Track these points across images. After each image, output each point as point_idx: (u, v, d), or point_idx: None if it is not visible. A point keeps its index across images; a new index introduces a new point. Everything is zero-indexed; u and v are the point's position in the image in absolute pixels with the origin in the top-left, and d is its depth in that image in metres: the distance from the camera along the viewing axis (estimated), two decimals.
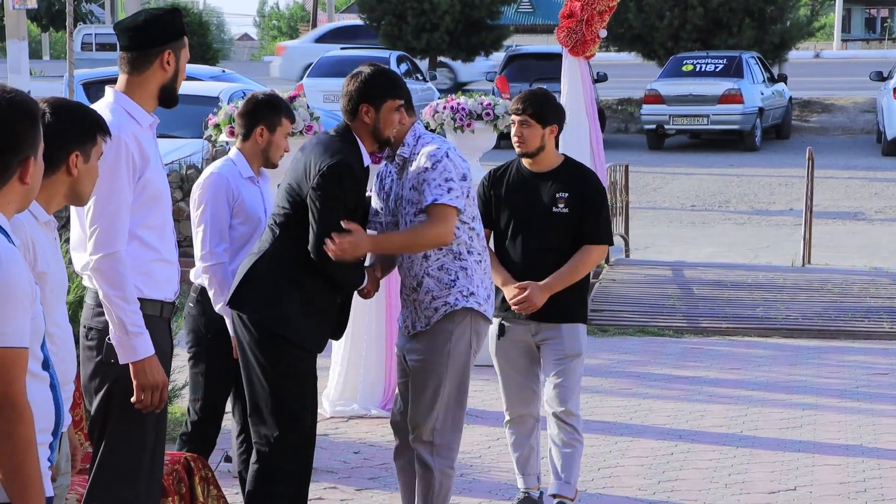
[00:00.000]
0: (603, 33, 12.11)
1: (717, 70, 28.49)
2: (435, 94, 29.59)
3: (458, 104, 10.45)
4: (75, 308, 7.23)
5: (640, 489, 7.69)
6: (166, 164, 5.74)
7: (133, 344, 5.09)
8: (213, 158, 11.03)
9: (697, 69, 28.75)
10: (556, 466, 6.95)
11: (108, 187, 5.06)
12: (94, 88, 18.21)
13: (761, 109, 27.96)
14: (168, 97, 5.37)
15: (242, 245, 6.58)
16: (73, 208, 5.21)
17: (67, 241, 5.42)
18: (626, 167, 16.49)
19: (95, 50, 39.91)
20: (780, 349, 11.28)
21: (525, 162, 6.96)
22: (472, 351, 6.19)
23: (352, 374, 9.17)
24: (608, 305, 12.60)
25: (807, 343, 11.49)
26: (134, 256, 5.18)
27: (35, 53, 54.66)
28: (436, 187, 5.98)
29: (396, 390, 6.45)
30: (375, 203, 6.30)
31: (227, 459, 7.67)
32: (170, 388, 5.69)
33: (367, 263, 6.19)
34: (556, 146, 7.08)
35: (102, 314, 5.18)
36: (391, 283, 7.94)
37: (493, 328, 6.73)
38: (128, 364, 5.12)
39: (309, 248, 5.79)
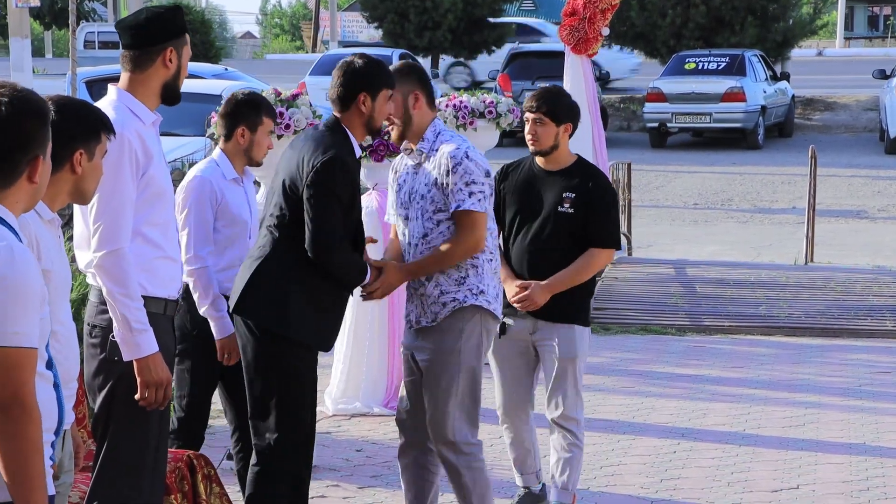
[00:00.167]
0: (605, 31, 12.11)
1: (720, 68, 28.49)
2: (437, 91, 29.57)
3: (461, 102, 10.44)
4: (78, 306, 7.25)
5: (643, 487, 7.68)
6: (169, 162, 5.74)
7: (137, 341, 5.10)
8: None
9: (700, 67, 28.75)
10: (553, 472, 6.94)
11: (111, 184, 5.07)
12: (97, 86, 18.22)
13: (764, 108, 27.96)
14: (171, 95, 5.38)
15: (228, 246, 6.57)
16: (76, 206, 5.21)
17: (70, 238, 5.42)
18: (629, 165, 16.49)
19: (98, 48, 39.92)
20: (783, 347, 11.28)
21: (538, 160, 6.90)
22: (483, 347, 6.17)
23: (354, 372, 9.17)
24: (611, 304, 12.60)
25: (809, 341, 11.49)
26: (137, 254, 5.18)
27: (38, 51, 54.70)
28: (458, 192, 5.98)
29: (402, 389, 6.43)
30: (392, 196, 6.30)
31: (230, 457, 7.66)
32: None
33: (381, 258, 6.19)
34: None
35: (106, 312, 5.18)
36: None
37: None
38: (131, 361, 5.13)
39: (306, 246, 5.75)
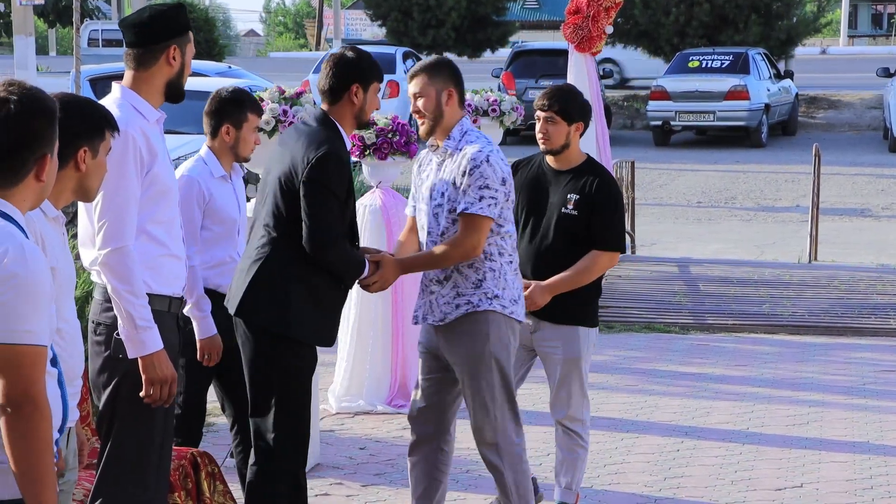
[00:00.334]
0: (609, 29, 12.10)
1: (724, 66, 28.48)
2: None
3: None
4: (83, 303, 7.25)
5: (646, 486, 7.68)
6: (173, 160, 5.73)
7: (142, 338, 5.10)
8: None
9: (703, 65, 28.74)
10: (557, 472, 6.94)
11: (115, 182, 5.07)
12: (101, 84, 18.23)
13: (767, 106, 27.95)
14: (174, 92, 5.38)
15: (216, 244, 6.57)
16: (81, 204, 5.21)
17: (75, 236, 5.42)
18: (632, 163, 16.48)
19: (102, 46, 39.95)
20: (787, 346, 11.27)
21: (548, 158, 6.84)
22: (511, 347, 6.16)
23: (358, 370, 9.17)
24: (614, 302, 12.60)
25: (813, 340, 11.48)
26: (142, 252, 5.18)
27: (42, 49, 54.73)
28: (470, 195, 5.97)
29: (416, 387, 6.40)
30: (414, 189, 6.30)
31: (232, 455, 7.67)
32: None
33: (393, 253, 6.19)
34: None
35: (110, 309, 5.19)
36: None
37: None
38: (136, 359, 5.13)
39: (303, 242, 5.73)
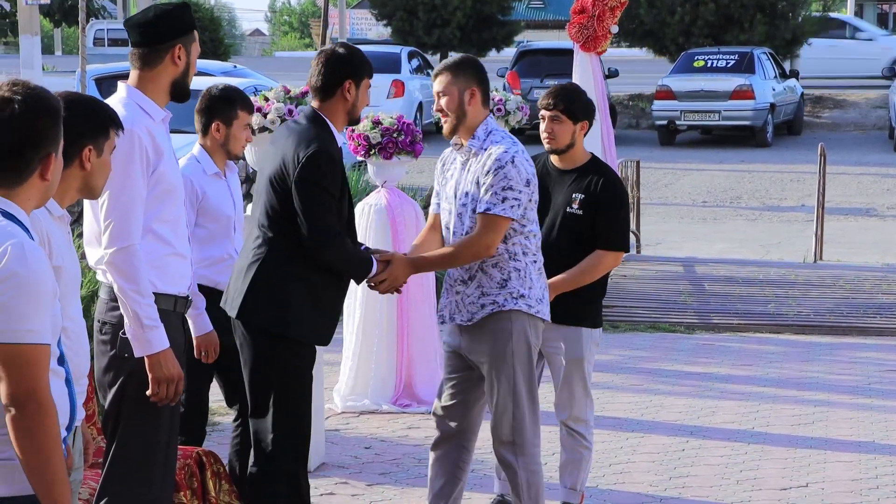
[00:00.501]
0: (614, 29, 12.10)
1: (729, 66, 28.48)
2: None
3: None
4: (88, 302, 7.25)
5: (651, 485, 7.68)
6: (178, 159, 5.73)
7: (148, 337, 5.10)
8: None
9: (709, 65, 28.74)
10: (562, 472, 6.93)
11: (122, 181, 5.08)
12: (107, 84, 18.23)
13: (773, 105, 27.94)
14: (180, 92, 5.39)
15: (210, 241, 6.58)
16: (87, 204, 5.22)
17: (80, 235, 5.43)
18: (638, 163, 16.48)
19: (108, 45, 39.94)
20: (792, 345, 11.27)
21: (553, 158, 6.82)
22: (534, 348, 6.15)
23: (363, 369, 9.17)
24: (619, 301, 12.59)
25: (818, 339, 11.48)
26: (148, 251, 5.19)
27: (48, 49, 54.74)
28: (492, 195, 5.95)
29: (440, 385, 6.39)
30: (437, 187, 6.29)
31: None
32: None
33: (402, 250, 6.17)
34: None
35: (116, 309, 5.19)
36: None
37: None
38: (142, 358, 5.13)
39: (303, 243, 5.70)
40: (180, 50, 5.32)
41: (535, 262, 6.13)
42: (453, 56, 6.34)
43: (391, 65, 28.50)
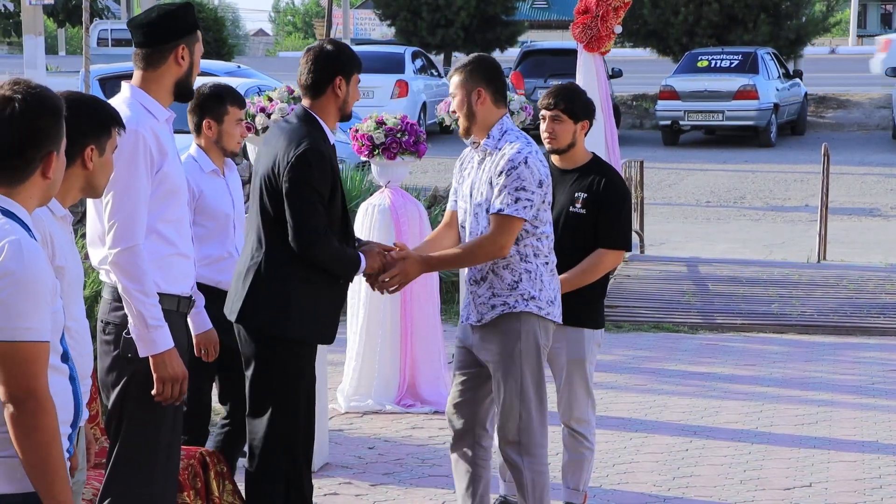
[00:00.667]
0: (618, 29, 12.09)
1: (733, 66, 28.47)
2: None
3: None
4: (91, 303, 7.26)
5: (655, 485, 7.68)
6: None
7: (153, 337, 5.11)
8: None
9: (712, 65, 28.73)
10: (565, 473, 6.93)
11: (126, 182, 5.08)
12: (110, 84, 18.24)
13: (776, 105, 27.93)
14: (183, 92, 5.39)
15: (209, 239, 6.59)
16: (90, 204, 5.22)
17: (83, 236, 5.43)
18: (641, 163, 16.48)
19: (111, 45, 39.98)
20: (796, 345, 11.27)
21: (553, 158, 6.80)
22: (543, 349, 6.15)
23: (366, 370, 9.17)
24: (623, 301, 12.59)
25: (822, 339, 11.48)
26: (152, 251, 5.19)
27: (51, 49, 54.79)
28: (505, 196, 5.94)
29: (452, 383, 6.40)
30: (455, 184, 6.30)
31: (242, 454, 7.68)
32: None
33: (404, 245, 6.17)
34: None
35: (119, 309, 5.19)
36: None
37: None
38: (145, 358, 5.14)
39: (290, 241, 5.72)
40: (184, 50, 5.32)
41: (546, 263, 6.13)
42: (465, 57, 6.35)
43: (395, 65, 28.51)
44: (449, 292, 11.97)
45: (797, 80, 29.86)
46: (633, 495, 7.52)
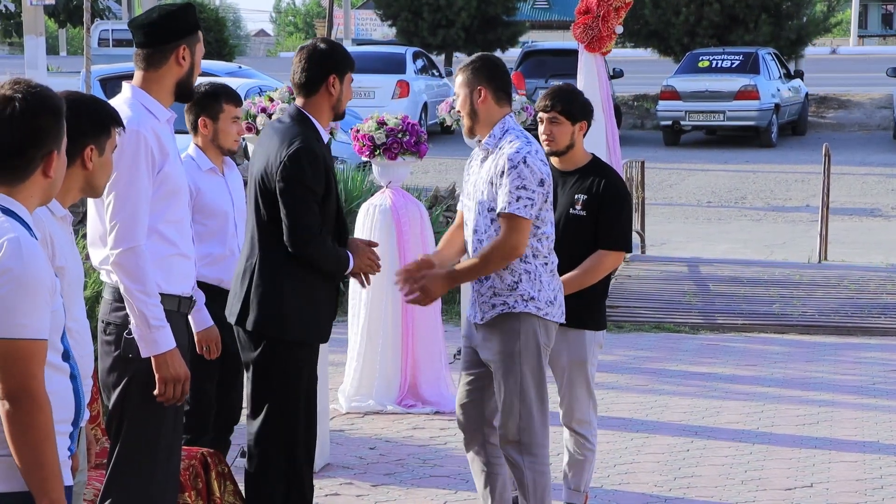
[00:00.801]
0: (619, 29, 12.09)
1: (734, 66, 28.47)
2: (450, 90, 29.58)
3: None
4: (92, 303, 7.26)
5: (657, 486, 7.68)
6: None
7: (155, 337, 5.11)
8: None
9: (713, 65, 28.73)
10: (566, 474, 6.94)
11: (127, 182, 5.08)
12: (111, 84, 18.24)
13: (777, 105, 27.93)
14: (184, 92, 5.40)
15: (209, 237, 6.59)
16: (91, 204, 5.22)
17: (83, 236, 5.43)
18: (642, 163, 16.48)
19: (112, 46, 39.96)
20: (797, 346, 11.27)
21: (553, 160, 6.76)
22: (544, 349, 6.16)
23: (368, 370, 9.17)
24: (624, 302, 12.59)
25: (823, 340, 11.48)
26: (153, 251, 5.19)
27: (52, 49, 54.79)
28: (507, 194, 5.95)
29: (460, 382, 6.40)
30: (463, 184, 6.32)
31: (243, 454, 7.68)
32: None
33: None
34: None
35: (120, 309, 5.20)
36: None
37: None
38: (146, 359, 5.14)
39: (284, 240, 5.72)
40: (184, 50, 5.33)
41: (546, 264, 6.13)
42: (471, 56, 6.36)
43: (396, 65, 28.51)
44: (450, 292, 11.96)
45: (798, 80, 29.87)
46: (635, 496, 7.52)
